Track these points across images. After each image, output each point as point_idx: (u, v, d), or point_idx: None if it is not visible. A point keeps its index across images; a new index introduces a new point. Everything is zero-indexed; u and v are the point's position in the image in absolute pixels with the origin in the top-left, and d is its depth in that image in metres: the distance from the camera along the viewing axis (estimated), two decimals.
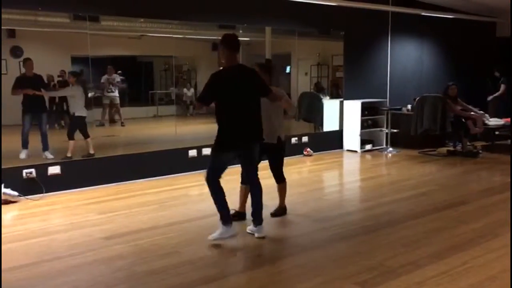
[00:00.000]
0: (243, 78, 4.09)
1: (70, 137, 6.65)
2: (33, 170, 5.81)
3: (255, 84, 4.16)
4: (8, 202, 5.46)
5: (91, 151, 6.60)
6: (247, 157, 4.22)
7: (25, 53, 6.86)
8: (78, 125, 6.74)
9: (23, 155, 6.22)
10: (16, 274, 3.57)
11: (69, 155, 6.46)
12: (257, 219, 4.27)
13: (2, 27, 6.50)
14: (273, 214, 4.88)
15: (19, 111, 6.35)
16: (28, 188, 5.71)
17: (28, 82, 6.25)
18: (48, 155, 6.35)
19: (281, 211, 4.95)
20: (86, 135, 6.71)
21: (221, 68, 4.13)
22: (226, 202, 4.16)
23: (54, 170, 5.98)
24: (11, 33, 6.82)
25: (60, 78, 7.52)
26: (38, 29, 6.48)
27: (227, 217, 4.15)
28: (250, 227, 4.38)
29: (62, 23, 6.48)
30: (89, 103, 7.29)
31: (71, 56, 7.59)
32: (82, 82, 6.99)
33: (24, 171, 5.77)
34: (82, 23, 6.30)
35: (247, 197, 4.65)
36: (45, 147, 6.43)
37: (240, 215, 4.73)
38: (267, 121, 4.46)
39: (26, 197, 5.63)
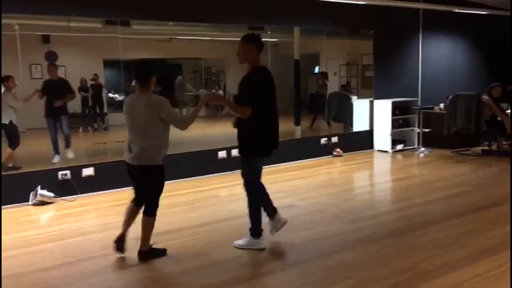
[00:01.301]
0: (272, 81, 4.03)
1: None
2: (68, 172, 5.96)
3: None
4: (44, 203, 5.62)
5: None
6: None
7: (59, 58, 7.06)
8: None
9: (55, 159, 6.38)
10: (52, 273, 3.67)
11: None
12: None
13: (37, 33, 6.72)
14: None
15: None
16: (63, 189, 5.86)
17: (52, 86, 6.41)
18: (69, 153, 6.48)
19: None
20: None
21: (257, 67, 3.90)
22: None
23: (88, 171, 6.12)
24: (46, 39, 7.03)
25: (93, 82, 7.71)
26: (72, 34, 6.64)
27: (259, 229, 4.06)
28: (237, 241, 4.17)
29: (94, 28, 6.63)
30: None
31: (103, 60, 7.76)
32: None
33: (60, 173, 5.92)
34: (113, 27, 6.44)
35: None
36: (67, 145, 6.58)
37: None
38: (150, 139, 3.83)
39: (62, 198, 5.78)
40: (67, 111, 6.81)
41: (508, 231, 4.32)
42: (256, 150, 3.95)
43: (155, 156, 3.79)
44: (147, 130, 3.75)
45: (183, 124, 3.90)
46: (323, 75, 9.23)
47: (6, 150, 6.11)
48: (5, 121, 6.12)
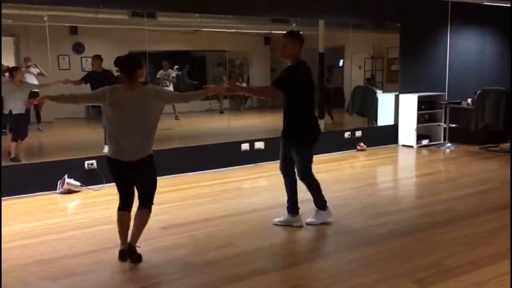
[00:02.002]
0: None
1: None
2: (94, 161, 6.07)
3: None
4: (71, 191, 5.74)
5: None
6: None
7: (86, 49, 7.17)
8: None
9: (105, 149, 6.40)
10: (79, 260, 3.75)
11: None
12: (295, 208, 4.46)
13: (65, 24, 6.83)
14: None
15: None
16: (90, 178, 5.97)
17: (96, 77, 6.43)
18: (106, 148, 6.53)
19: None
20: None
21: (299, 61, 4.22)
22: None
23: None
24: (74, 30, 7.15)
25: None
26: (99, 26, 6.73)
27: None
28: (308, 219, 4.47)
29: (121, 20, 6.70)
30: None
31: (129, 51, 7.84)
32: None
33: (86, 162, 6.03)
34: (140, 19, 6.49)
35: None
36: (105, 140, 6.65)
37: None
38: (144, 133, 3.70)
39: (88, 187, 5.89)
40: None
41: None
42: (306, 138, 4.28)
43: (151, 146, 3.72)
44: (144, 123, 3.58)
45: (185, 98, 4.00)
46: (328, 69, 8.98)
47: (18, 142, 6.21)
48: (22, 111, 6.15)
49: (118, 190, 3.76)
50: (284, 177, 4.45)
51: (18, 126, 6.25)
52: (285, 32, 4.26)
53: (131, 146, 3.57)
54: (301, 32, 4.28)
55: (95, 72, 6.57)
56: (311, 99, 4.28)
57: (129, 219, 3.73)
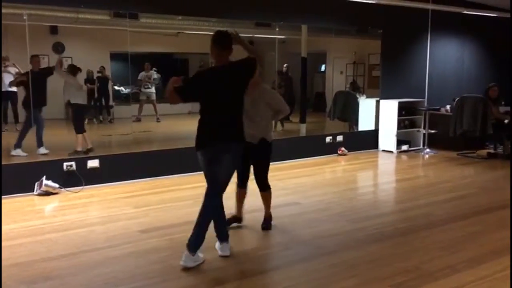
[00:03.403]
0: (231, 77, 3.69)
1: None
2: (73, 163, 5.98)
3: (242, 76, 3.74)
4: (49, 193, 5.64)
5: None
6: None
7: (66, 49, 7.07)
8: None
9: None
10: (57, 263, 3.68)
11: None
12: (224, 235, 3.89)
13: (45, 24, 6.72)
14: (264, 227, 4.45)
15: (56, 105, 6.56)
16: (68, 180, 5.87)
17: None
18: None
19: (269, 221, 4.51)
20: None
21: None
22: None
23: (93, 163, 6.13)
24: (54, 30, 7.03)
25: (100, 74, 7.73)
26: (80, 26, 6.64)
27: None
28: (217, 245, 3.92)
29: (102, 20, 6.62)
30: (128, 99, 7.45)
31: (110, 53, 7.77)
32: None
33: (65, 163, 5.94)
34: (122, 20, 6.43)
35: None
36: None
37: (237, 220, 4.55)
38: (250, 120, 4.12)
39: (66, 189, 5.80)
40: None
41: None
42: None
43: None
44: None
45: None
46: (279, 73, 8.68)
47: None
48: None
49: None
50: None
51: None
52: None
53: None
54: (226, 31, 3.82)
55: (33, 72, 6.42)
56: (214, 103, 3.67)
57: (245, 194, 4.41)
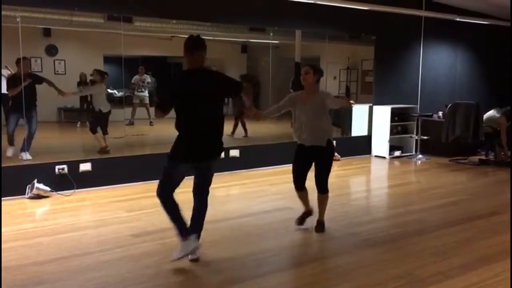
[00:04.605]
0: (206, 86, 3.65)
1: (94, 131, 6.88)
2: (65, 166, 5.94)
3: (223, 87, 3.78)
4: (40, 196, 5.60)
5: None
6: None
7: (59, 52, 7.04)
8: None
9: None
10: (48, 267, 3.65)
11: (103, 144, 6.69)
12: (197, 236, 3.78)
13: (38, 26, 6.69)
14: (318, 230, 4.53)
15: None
16: (60, 183, 5.84)
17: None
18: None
19: (322, 225, 4.58)
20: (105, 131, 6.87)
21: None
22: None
23: (85, 167, 6.10)
24: (47, 32, 7.00)
25: (93, 77, 7.69)
26: (73, 28, 6.62)
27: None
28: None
29: (96, 23, 6.61)
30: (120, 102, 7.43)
31: (103, 56, 7.74)
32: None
33: (57, 167, 5.90)
34: (116, 23, 6.42)
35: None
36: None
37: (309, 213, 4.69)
38: (314, 122, 4.35)
39: (58, 192, 5.76)
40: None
41: (505, 240, 4.34)
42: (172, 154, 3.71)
43: None
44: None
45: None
46: (242, 78, 8.36)
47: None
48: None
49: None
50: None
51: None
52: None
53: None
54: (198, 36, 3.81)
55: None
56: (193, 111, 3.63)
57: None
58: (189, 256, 3.73)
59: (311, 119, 4.34)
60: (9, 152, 6.20)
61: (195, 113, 3.62)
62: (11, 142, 6.26)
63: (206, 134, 3.69)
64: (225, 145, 7.31)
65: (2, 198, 5.45)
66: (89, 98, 7.73)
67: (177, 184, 3.76)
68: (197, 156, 3.70)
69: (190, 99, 3.59)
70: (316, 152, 4.36)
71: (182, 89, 3.62)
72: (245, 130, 8.26)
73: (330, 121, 4.50)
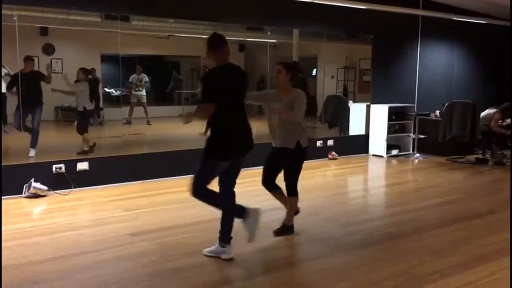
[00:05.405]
0: (239, 78, 3.80)
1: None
2: (62, 165, 5.93)
3: (247, 82, 3.92)
4: (37, 196, 5.59)
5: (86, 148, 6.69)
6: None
7: (56, 51, 7.02)
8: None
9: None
10: (45, 267, 3.65)
11: (86, 148, 6.63)
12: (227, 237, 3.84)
13: (35, 25, 6.68)
14: (276, 232, 4.39)
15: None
16: (57, 183, 5.83)
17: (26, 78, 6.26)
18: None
19: (286, 229, 4.43)
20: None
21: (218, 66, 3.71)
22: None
23: (83, 166, 6.09)
24: (44, 31, 6.98)
25: (90, 76, 7.67)
26: (70, 27, 6.60)
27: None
28: (213, 248, 3.86)
29: (93, 22, 6.60)
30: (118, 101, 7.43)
31: (100, 54, 7.73)
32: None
33: (54, 166, 5.89)
34: (113, 22, 6.41)
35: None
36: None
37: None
38: (282, 124, 4.24)
39: (55, 191, 5.75)
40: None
41: (502, 239, 4.35)
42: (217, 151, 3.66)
43: None
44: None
45: None
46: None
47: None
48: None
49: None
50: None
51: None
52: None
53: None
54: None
55: (25, 74, 6.38)
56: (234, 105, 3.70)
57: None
58: (224, 256, 3.78)
59: (282, 119, 4.23)
60: (31, 152, 6.28)
61: (236, 106, 3.71)
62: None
63: (246, 127, 3.78)
64: None
65: None
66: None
67: (211, 180, 3.76)
68: (239, 151, 3.74)
69: (232, 92, 3.68)
70: (284, 155, 4.26)
71: (225, 82, 3.65)
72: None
73: (303, 123, 4.28)
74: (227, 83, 3.65)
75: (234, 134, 3.67)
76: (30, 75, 6.29)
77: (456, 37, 10.05)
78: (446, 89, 9.99)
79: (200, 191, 3.72)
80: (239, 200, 3.99)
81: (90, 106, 7.03)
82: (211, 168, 3.69)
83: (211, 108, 3.56)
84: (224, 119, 3.63)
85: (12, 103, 6.26)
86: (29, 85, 6.18)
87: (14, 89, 6.14)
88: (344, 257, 3.92)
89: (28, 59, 6.34)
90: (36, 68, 6.53)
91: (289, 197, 4.40)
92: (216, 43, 3.74)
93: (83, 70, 6.86)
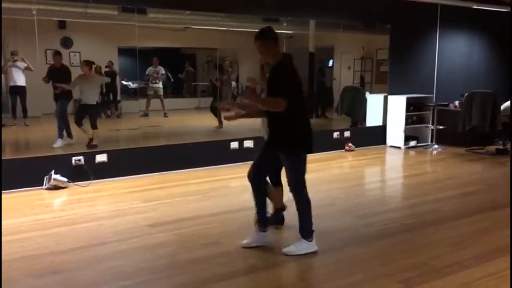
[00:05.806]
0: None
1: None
2: (81, 157, 6.01)
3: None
4: (58, 187, 5.68)
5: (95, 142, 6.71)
6: None
7: (74, 44, 7.10)
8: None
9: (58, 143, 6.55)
10: (65, 257, 3.71)
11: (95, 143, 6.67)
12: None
13: (54, 19, 6.76)
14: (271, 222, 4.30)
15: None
16: (77, 174, 5.91)
17: (56, 72, 6.57)
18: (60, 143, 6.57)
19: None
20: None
21: (281, 59, 3.65)
22: None
23: (101, 158, 6.16)
24: (62, 24, 7.06)
25: (107, 69, 7.75)
26: (88, 20, 6.66)
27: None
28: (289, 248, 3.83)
29: (110, 15, 6.64)
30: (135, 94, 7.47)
31: (118, 47, 7.79)
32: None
33: (73, 158, 5.97)
34: (130, 15, 6.45)
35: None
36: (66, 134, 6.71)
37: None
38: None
39: (75, 183, 5.84)
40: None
41: None
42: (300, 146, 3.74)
43: None
44: None
45: None
46: (219, 68, 8.37)
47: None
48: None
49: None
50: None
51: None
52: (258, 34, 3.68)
53: None
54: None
55: (54, 68, 6.55)
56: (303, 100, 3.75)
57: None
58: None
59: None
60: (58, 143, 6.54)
61: (304, 101, 3.76)
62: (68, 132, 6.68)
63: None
64: (240, 136, 7.37)
65: (20, 189, 5.57)
66: (103, 90, 7.80)
67: None
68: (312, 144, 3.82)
69: (301, 88, 3.72)
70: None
71: (299, 78, 3.67)
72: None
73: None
74: (299, 78, 3.67)
75: (307, 128, 3.79)
76: (61, 69, 6.53)
77: (477, 26, 9.86)
78: (466, 79, 9.82)
79: (305, 190, 3.88)
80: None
81: (94, 101, 6.88)
82: (302, 164, 3.79)
83: (282, 104, 3.51)
84: (298, 115, 3.66)
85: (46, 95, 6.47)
86: (60, 79, 6.46)
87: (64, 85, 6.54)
88: (361, 248, 3.91)
89: (56, 54, 6.58)
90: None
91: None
92: (275, 36, 3.65)
93: (85, 62, 6.74)
